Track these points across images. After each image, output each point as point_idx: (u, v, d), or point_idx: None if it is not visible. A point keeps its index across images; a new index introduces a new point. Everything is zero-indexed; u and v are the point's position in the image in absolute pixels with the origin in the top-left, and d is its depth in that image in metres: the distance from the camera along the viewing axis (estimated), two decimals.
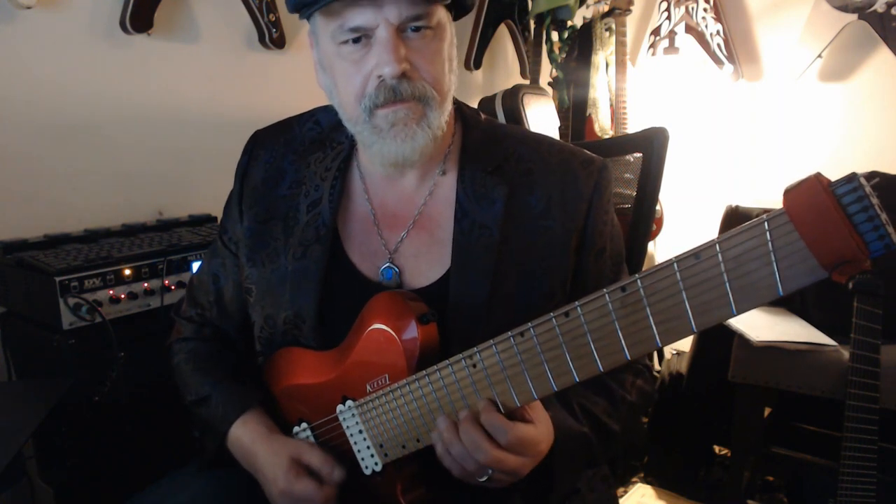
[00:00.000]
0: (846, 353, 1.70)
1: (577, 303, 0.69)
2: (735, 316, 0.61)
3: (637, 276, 0.65)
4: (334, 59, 0.87)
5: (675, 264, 0.62)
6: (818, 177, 0.56)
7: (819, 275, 0.56)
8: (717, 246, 0.60)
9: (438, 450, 0.80)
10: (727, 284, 0.60)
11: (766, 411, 2.12)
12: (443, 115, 0.88)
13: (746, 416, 1.96)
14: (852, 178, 0.54)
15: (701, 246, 0.61)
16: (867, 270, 0.57)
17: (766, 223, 0.57)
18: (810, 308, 2.03)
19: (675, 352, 2.59)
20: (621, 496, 2.26)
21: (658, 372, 2.54)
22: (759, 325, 1.92)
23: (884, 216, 0.54)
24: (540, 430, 0.80)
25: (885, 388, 1.63)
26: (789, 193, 0.56)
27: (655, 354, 2.70)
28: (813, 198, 0.55)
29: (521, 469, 0.79)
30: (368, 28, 0.82)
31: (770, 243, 0.57)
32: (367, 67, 0.84)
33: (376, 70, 0.83)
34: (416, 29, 0.83)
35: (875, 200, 0.54)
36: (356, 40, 0.83)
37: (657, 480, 2.35)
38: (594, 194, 0.95)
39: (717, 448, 2.44)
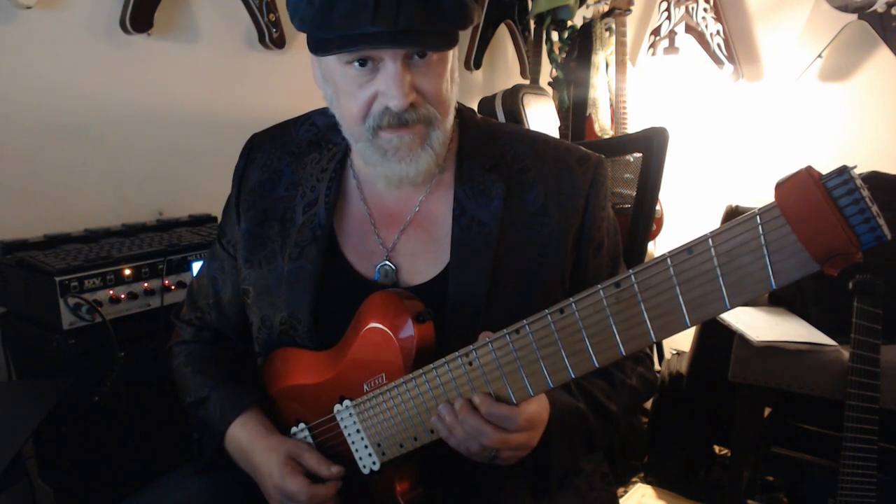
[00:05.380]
0: (846, 353, 1.70)
1: (571, 299, 0.69)
2: (728, 310, 0.61)
3: (631, 271, 0.65)
4: (338, 76, 0.86)
5: (669, 259, 0.62)
6: (809, 170, 0.56)
7: (811, 268, 0.57)
8: (710, 240, 0.60)
9: (442, 434, 0.81)
10: (720, 279, 0.60)
11: (766, 411, 2.11)
12: (445, 132, 0.89)
13: (746, 416, 1.96)
14: (843, 170, 0.54)
15: (694, 241, 0.61)
16: (860, 264, 0.57)
17: (757, 217, 0.58)
18: (810, 308, 2.03)
19: (675, 352, 2.59)
20: (621, 496, 2.26)
21: (658, 372, 2.54)
22: (759, 325, 1.92)
23: (874, 208, 0.54)
24: (540, 402, 0.81)
25: (885, 388, 1.63)
26: (781, 187, 0.56)
27: (655, 354, 2.70)
28: (804, 191, 0.55)
29: (530, 441, 0.80)
30: (376, 55, 0.81)
31: (762, 237, 0.58)
32: (371, 90, 0.84)
33: (382, 98, 0.83)
34: (423, 55, 0.83)
35: (866, 193, 0.54)
36: (362, 63, 0.83)
37: (657, 480, 2.35)
38: (591, 190, 0.95)
39: (717, 448, 2.44)
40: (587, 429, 0.90)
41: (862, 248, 0.55)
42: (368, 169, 0.93)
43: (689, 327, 0.64)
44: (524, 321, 0.73)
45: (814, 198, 0.55)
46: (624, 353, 0.68)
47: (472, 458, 0.80)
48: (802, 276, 0.57)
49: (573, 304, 0.69)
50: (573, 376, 0.72)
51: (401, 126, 0.84)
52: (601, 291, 0.67)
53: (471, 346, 0.77)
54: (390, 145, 0.86)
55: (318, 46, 0.83)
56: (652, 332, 0.65)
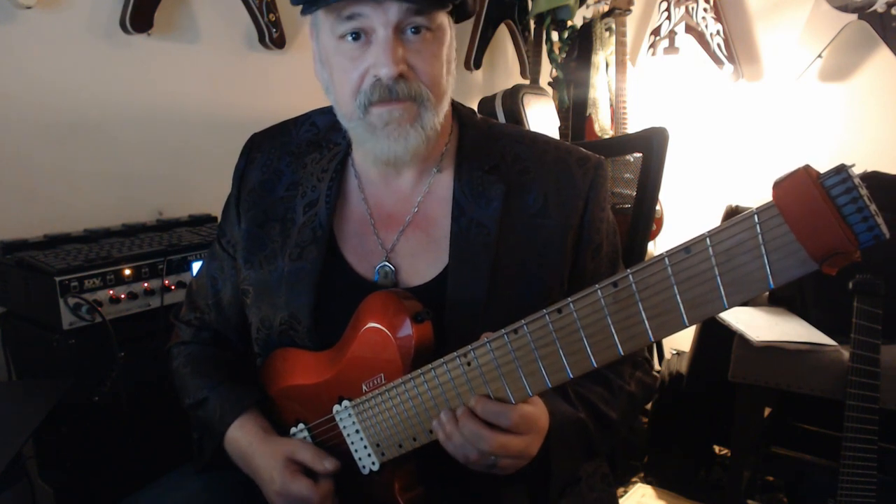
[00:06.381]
0: (846, 353, 1.70)
1: (569, 299, 0.69)
2: (726, 309, 0.61)
3: (629, 271, 0.65)
4: (332, 54, 0.87)
5: (667, 259, 0.62)
6: (807, 169, 0.56)
7: (809, 267, 0.56)
8: (708, 240, 0.60)
9: (440, 439, 0.80)
10: (718, 278, 0.60)
11: (766, 411, 2.12)
12: (437, 117, 0.88)
13: (746, 416, 1.96)
14: (841, 169, 0.54)
15: (691, 240, 0.61)
16: (860, 264, 0.57)
17: (755, 216, 0.58)
18: (810, 308, 2.03)
19: (675, 352, 2.59)
20: (621, 496, 2.26)
21: (658, 372, 2.54)
22: (759, 325, 1.92)
23: (873, 207, 0.54)
24: (537, 407, 0.81)
25: (885, 388, 1.63)
26: (778, 186, 0.56)
27: (655, 354, 2.70)
28: (802, 190, 0.55)
29: (529, 449, 0.79)
30: (368, 25, 0.82)
31: (760, 236, 0.58)
32: (364, 65, 0.84)
33: (373, 69, 0.84)
34: (416, 31, 0.83)
35: (864, 192, 0.54)
36: (355, 37, 0.84)
37: (657, 480, 2.35)
38: (590, 192, 0.95)
39: (717, 448, 2.44)
40: (587, 437, 0.89)
41: (860, 247, 0.55)
42: (360, 152, 0.94)
43: (687, 327, 0.64)
44: (522, 321, 0.73)
45: (812, 197, 0.54)
46: (622, 353, 0.68)
47: (470, 466, 0.80)
48: (801, 275, 0.57)
49: (571, 305, 0.69)
50: (571, 376, 0.72)
51: (391, 100, 0.84)
52: (599, 291, 0.67)
53: (469, 347, 0.77)
54: (380, 121, 0.86)
55: (309, 3, 0.84)
56: (650, 331, 0.65)
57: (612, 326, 0.67)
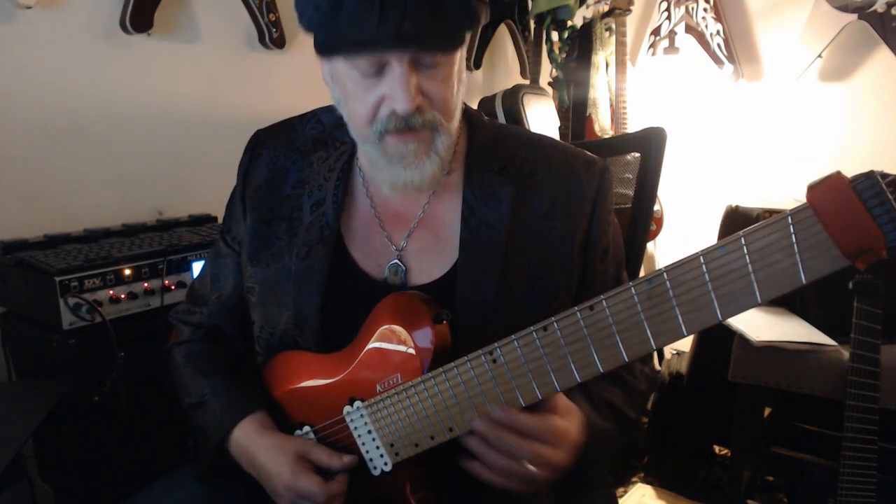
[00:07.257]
0: (846, 353, 1.70)
1: (602, 296, 0.71)
2: (760, 304, 0.65)
3: (663, 269, 0.68)
4: (345, 77, 0.85)
5: (702, 257, 0.66)
6: (839, 174, 0.60)
7: (839, 264, 0.61)
8: (743, 239, 0.64)
9: (476, 450, 0.79)
10: (752, 275, 0.64)
11: (766, 411, 2.11)
12: (450, 137, 0.88)
13: (746, 416, 1.96)
14: (870, 174, 0.59)
15: (726, 240, 0.65)
16: (882, 260, 0.61)
17: (789, 217, 0.62)
18: (810, 308, 2.03)
19: (675, 352, 2.58)
20: (621, 496, 2.26)
21: (658, 372, 2.54)
22: (759, 325, 1.92)
23: None
24: (570, 422, 0.81)
25: (885, 388, 1.63)
26: (813, 189, 0.61)
27: (655, 354, 2.69)
28: (837, 192, 0.60)
29: (562, 461, 0.79)
30: (383, 58, 0.81)
31: (793, 236, 0.62)
32: (379, 93, 0.83)
33: (388, 101, 0.83)
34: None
35: (890, 195, 0.59)
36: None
37: (657, 480, 2.35)
38: (598, 196, 0.96)
39: (717, 448, 2.44)
40: (614, 445, 0.91)
41: (888, 245, 0.59)
42: (374, 172, 0.94)
43: (720, 321, 0.67)
44: (552, 318, 0.73)
45: (847, 198, 0.59)
46: (654, 348, 0.70)
47: (507, 481, 0.79)
48: (830, 272, 0.62)
49: (604, 302, 0.71)
50: (601, 371, 0.73)
51: (407, 131, 0.84)
52: (632, 288, 0.69)
53: (495, 344, 0.77)
54: (396, 151, 0.86)
55: (325, 49, 0.83)
56: (683, 326, 0.68)
57: (645, 322, 0.69)
